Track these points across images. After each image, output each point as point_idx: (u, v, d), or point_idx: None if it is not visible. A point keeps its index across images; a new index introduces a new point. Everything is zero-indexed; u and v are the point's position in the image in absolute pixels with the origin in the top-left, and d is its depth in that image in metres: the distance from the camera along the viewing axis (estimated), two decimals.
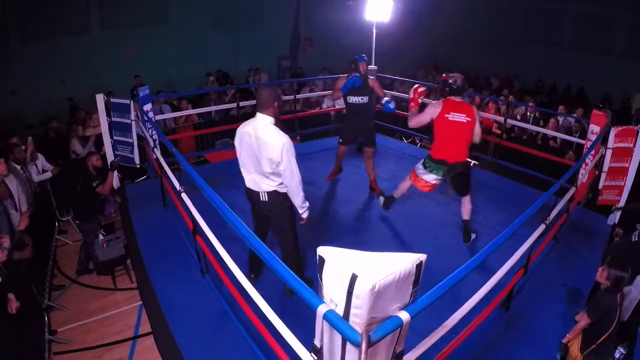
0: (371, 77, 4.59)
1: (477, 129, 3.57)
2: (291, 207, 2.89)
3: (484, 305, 2.43)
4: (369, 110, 4.57)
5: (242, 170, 2.85)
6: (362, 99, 4.43)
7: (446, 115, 3.49)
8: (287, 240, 3.00)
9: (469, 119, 3.48)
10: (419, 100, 3.84)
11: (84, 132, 6.28)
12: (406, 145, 7.12)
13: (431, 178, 3.72)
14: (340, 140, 4.76)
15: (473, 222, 4.23)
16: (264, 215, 2.95)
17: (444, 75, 3.67)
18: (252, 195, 2.87)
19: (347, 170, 5.39)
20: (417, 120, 3.66)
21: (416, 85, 3.92)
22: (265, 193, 2.79)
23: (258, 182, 2.78)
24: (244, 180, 2.88)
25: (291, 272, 1.59)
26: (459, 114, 3.48)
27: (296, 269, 2.92)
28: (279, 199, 2.81)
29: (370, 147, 4.64)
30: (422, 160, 3.80)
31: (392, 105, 4.47)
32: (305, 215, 2.91)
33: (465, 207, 3.85)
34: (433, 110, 3.55)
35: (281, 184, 2.75)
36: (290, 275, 1.57)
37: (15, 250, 3.73)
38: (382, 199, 4.26)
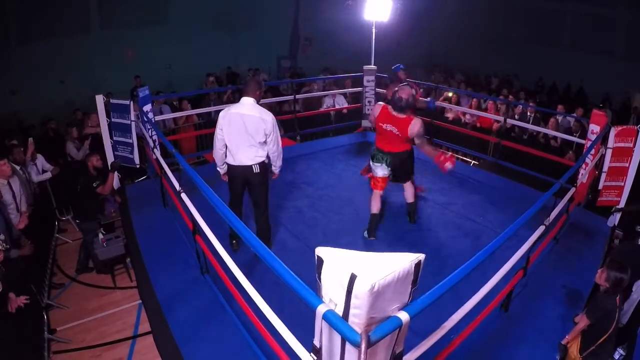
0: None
1: (416, 141, 3.63)
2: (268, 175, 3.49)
3: (484, 306, 2.43)
4: None
5: (232, 149, 3.24)
6: None
7: (380, 124, 3.66)
8: (266, 204, 3.53)
9: (399, 134, 3.58)
10: None
11: (80, 134, 6.29)
12: None
13: (381, 170, 3.78)
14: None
15: (473, 222, 4.24)
16: (250, 186, 3.40)
17: (396, 88, 3.72)
18: (242, 170, 3.28)
19: (347, 170, 5.39)
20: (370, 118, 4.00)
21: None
22: (257, 165, 3.28)
23: (251, 156, 3.24)
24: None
25: (291, 273, 1.59)
26: (391, 126, 3.60)
27: (268, 226, 3.60)
28: (266, 168, 3.38)
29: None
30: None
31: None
32: (277, 172, 3.55)
33: (409, 191, 4.01)
34: (374, 112, 3.75)
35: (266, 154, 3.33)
36: (290, 275, 1.57)
37: (14, 249, 3.73)
38: (365, 233, 3.93)
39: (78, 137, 6.30)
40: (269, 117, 3.19)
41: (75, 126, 6.48)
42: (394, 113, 3.60)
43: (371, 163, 3.87)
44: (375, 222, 3.90)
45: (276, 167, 3.50)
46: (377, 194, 3.88)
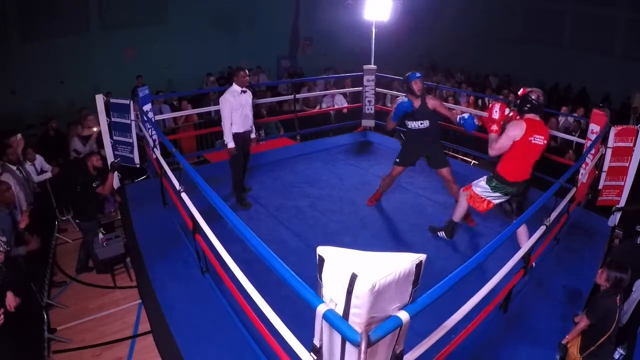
0: (429, 96, 3.99)
1: None
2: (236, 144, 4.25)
3: (484, 305, 2.42)
4: (432, 133, 4.00)
5: None
6: (421, 123, 3.93)
7: (530, 139, 3.13)
8: (230, 167, 4.40)
9: (545, 141, 3.17)
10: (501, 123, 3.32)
11: (84, 132, 6.27)
12: None
13: (498, 199, 3.38)
14: (397, 160, 4.17)
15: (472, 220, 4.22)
16: None
17: (523, 89, 3.26)
18: None
19: (347, 170, 5.39)
20: (499, 147, 3.24)
21: (499, 104, 3.35)
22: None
23: None
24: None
25: (291, 272, 1.59)
26: (539, 136, 3.14)
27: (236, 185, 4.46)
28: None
29: (445, 167, 4.07)
30: (484, 180, 3.41)
31: (474, 121, 3.71)
32: (229, 147, 4.25)
33: (524, 237, 3.20)
34: (516, 133, 3.14)
35: None
36: (290, 275, 1.57)
37: (17, 247, 3.73)
38: (442, 234, 3.89)
39: (82, 136, 6.28)
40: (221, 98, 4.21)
41: (80, 124, 6.47)
42: (538, 119, 3.18)
43: (488, 191, 3.38)
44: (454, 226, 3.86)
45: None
46: (466, 207, 3.64)
